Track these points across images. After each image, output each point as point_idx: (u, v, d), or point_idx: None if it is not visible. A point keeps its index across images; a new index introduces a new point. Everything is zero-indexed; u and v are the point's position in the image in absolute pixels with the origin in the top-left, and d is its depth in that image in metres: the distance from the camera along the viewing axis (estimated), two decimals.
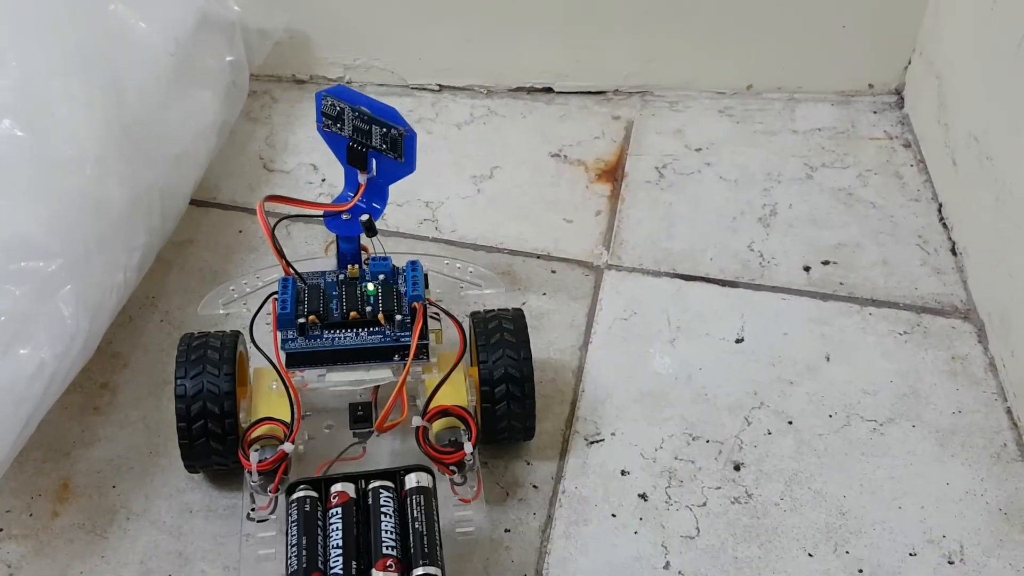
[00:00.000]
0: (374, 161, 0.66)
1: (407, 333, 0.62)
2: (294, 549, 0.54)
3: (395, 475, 0.58)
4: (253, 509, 0.59)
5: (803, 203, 0.88)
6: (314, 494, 0.56)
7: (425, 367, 0.64)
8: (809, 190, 0.89)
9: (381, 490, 0.57)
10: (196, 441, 0.61)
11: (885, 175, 0.91)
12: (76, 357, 0.63)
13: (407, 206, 0.88)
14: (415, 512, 0.56)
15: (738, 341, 0.75)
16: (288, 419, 0.60)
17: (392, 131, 0.63)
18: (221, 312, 0.69)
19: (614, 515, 0.64)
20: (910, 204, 0.87)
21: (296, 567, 0.53)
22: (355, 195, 0.66)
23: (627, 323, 0.77)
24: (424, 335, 0.62)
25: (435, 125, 0.98)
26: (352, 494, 0.57)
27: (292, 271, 0.64)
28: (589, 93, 1.01)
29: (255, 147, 0.95)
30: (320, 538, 0.55)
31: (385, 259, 0.65)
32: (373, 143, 0.65)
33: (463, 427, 0.61)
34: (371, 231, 0.65)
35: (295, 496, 0.56)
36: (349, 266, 0.65)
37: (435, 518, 0.56)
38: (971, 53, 0.83)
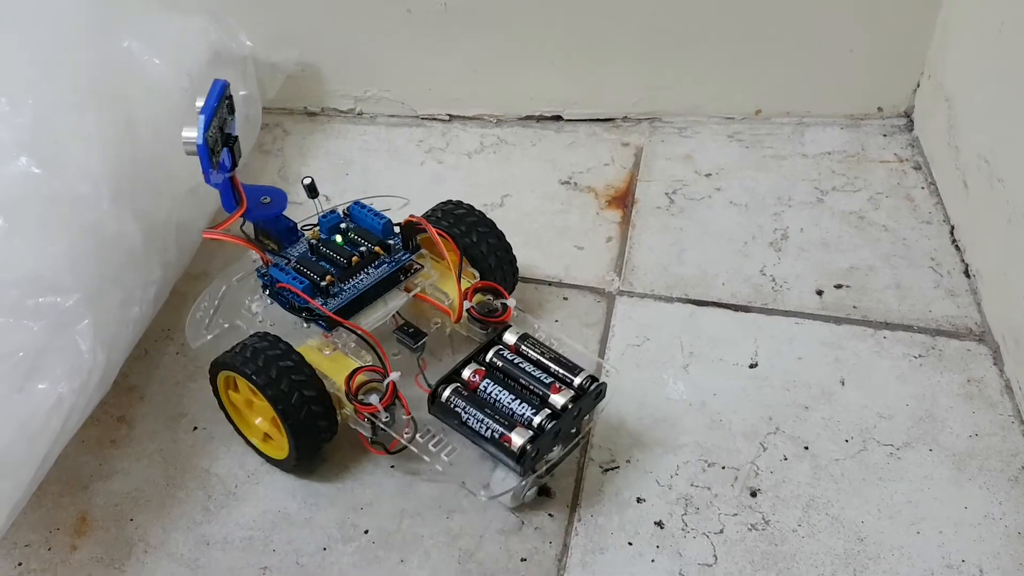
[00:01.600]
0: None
1: (403, 253, 0.71)
2: (480, 424, 0.61)
3: (493, 342, 0.66)
4: (390, 449, 0.66)
5: (814, 227, 0.88)
6: (456, 384, 0.64)
7: (422, 274, 0.72)
8: (820, 214, 0.89)
9: (500, 352, 0.66)
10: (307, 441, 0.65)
11: (896, 198, 0.91)
12: (93, 391, 0.64)
13: None
14: (536, 351, 0.65)
15: (752, 366, 0.75)
16: (358, 365, 0.65)
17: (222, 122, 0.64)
18: (208, 338, 0.71)
19: (630, 543, 0.64)
20: (922, 227, 0.87)
21: (494, 434, 0.61)
22: (239, 194, 0.68)
23: (640, 349, 0.77)
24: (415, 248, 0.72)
25: (446, 155, 0.99)
26: (483, 368, 0.65)
27: (269, 257, 0.69)
28: (598, 120, 1.02)
29: (268, 179, 0.95)
30: (488, 407, 0.62)
31: (332, 212, 0.72)
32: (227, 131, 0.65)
33: (491, 296, 0.69)
34: (313, 192, 0.71)
35: (445, 394, 0.63)
36: (306, 231, 0.72)
37: (549, 345, 0.66)
38: (980, 75, 0.83)
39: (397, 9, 0.96)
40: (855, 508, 0.65)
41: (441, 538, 0.65)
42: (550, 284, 0.83)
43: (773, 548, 0.63)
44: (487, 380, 0.63)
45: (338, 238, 0.70)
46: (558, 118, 1.02)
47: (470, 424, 0.62)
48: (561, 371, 0.64)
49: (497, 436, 0.60)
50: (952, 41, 0.90)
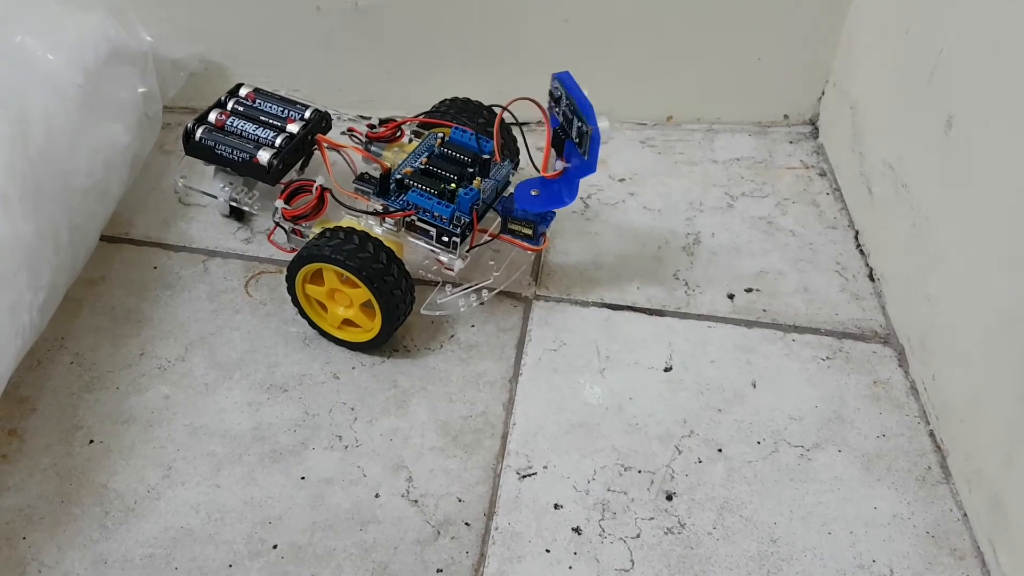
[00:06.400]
0: (568, 153, 0.75)
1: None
2: (232, 151, 0.79)
3: (232, 92, 0.84)
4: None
5: (725, 232, 0.89)
6: (205, 125, 0.81)
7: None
8: (731, 219, 0.90)
9: (240, 100, 0.84)
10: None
11: (803, 203, 0.92)
12: None
13: None
14: (270, 99, 0.83)
15: (667, 370, 0.75)
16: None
17: (582, 127, 0.70)
18: None
19: (548, 550, 0.63)
20: (828, 232, 0.89)
21: (244, 157, 0.79)
22: (554, 172, 0.75)
23: (556, 354, 0.76)
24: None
25: None
26: (227, 111, 0.82)
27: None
28: (512, 125, 1.01)
29: (170, 180, 0.92)
30: (236, 137, 0.80)
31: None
32: (572, 135, 0.72)
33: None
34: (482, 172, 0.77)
35: (198, 133, 0.80)
36: (480, 185, 0.75)
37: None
38: (884, 83, 0.85)
39: (306, 7, 0.94)
40: (768, 510, 0.66)
41: (354, 551, 0.63)
42: (466, 289, 0.82)
43: (689, 551, 0.63)
44: (232, 118, 0.80)
45: (453, 184, 0.76)
46: None
47: (223, 154, 0.79)
48: (291, 110, 0.81)
49: (248, 158, 0.77)
50: (857, 49, 0.92)
